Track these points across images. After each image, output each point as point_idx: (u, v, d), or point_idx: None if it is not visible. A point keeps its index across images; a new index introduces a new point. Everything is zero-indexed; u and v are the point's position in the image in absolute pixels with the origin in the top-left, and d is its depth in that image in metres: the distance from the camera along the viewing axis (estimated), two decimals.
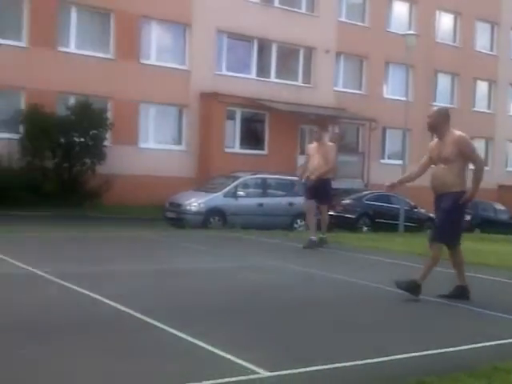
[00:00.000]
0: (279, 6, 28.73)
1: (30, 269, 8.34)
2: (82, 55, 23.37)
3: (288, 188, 20.22)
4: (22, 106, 22.32)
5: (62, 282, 7.52)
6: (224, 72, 27.07)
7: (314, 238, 12.60)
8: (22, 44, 22.47)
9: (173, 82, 25.20)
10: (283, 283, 8.61)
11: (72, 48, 23.53)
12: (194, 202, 18.65)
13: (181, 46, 26.33)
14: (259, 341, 5.49)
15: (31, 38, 22.48)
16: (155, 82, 24.51)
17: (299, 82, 29.66)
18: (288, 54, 29.79)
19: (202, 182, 22.25)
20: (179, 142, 26.29)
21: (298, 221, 19.11)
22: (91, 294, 6.89)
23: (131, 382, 4.30)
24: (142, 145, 24.96)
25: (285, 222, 18.81)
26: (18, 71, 21.72)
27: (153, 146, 25.28)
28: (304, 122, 27.72)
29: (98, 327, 5.68)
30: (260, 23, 27.32)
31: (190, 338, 5.29)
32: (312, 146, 13.09)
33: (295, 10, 29.34)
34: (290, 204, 19.39)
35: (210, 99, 25.72)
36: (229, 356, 4.84)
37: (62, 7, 23.16)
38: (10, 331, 5.39)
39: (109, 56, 24.21)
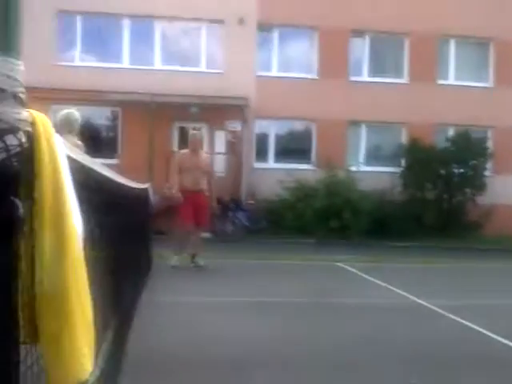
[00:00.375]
0: None
1: (416, 300, 8.60)
2: (461, 86, 23.43)
3: None
4: (403, 140, 23.16)
5: (449, 315, 7.64)
6: None
7: None
8: (404, 81, 23.40)
9: None
10: None
11: (451, 80, 23.80)
12: None
13: None
14: None
15: (412, 74, 23.27)
16: None
17: None
18: None
19: None
20: None
21: None
22: (482, 330, 6.89)
23: None
24: None
25: None
26: (399, 107, 22.62)
27: None
28: None
29: (492, 366, 5.65)
30: None
31: None
32: None
33: None
34: None
35: None
36: None
37: (442, 41, 23.60)
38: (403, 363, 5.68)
39: (488, 84, 23.94)
